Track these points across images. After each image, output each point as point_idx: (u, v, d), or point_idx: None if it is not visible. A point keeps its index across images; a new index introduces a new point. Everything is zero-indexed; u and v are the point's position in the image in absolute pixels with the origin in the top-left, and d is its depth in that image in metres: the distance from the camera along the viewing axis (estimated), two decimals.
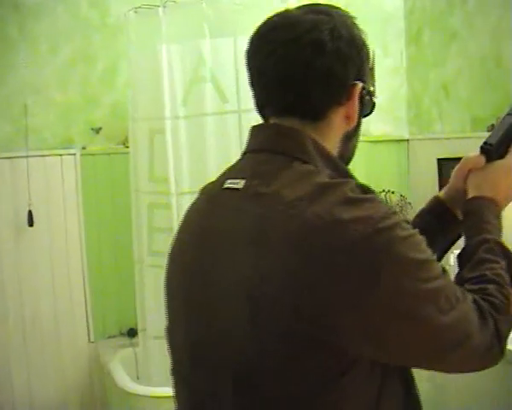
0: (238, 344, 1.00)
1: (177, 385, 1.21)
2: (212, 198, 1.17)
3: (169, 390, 2.94)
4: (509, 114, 1.35)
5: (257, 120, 3.26)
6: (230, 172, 1.16)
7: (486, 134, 3.48)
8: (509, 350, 2.60)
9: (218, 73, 3.15)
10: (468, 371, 1.16)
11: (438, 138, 3.89)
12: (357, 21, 1.19)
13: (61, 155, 3.55)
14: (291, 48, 1.10)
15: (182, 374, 1.18)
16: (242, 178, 1.09)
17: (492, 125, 3.52)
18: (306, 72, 1.09)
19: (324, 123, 1.13)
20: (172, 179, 3.14)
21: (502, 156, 1.29)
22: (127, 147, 3.45)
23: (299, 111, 1.12)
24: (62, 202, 3.57)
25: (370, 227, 0.95)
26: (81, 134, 3.60)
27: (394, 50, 4.21)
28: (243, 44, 3.18)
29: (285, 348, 0.95)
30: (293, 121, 1.12)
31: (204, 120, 3.15)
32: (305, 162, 1.07)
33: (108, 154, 3.64)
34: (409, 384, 1.12)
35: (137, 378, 3.41)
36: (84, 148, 3.61)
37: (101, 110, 3.62)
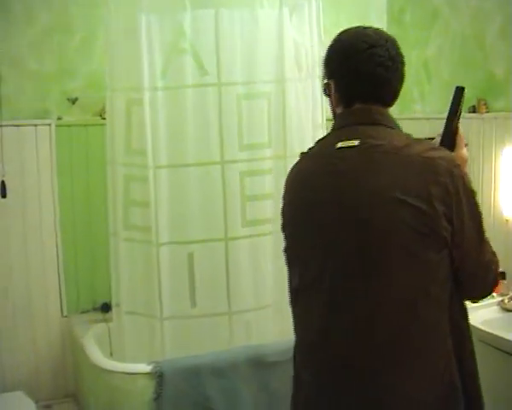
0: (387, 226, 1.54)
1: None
2: (329, 154, 1.65)
3: (143, 367, 2.96)
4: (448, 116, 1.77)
5: (237, 94, 3.23)
6: (336, 138, 1.65)
7: (467, 115, 3.53)
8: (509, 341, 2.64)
9: (199, 46, 3.10)
10: (481, 290, 1.72)
11: (418, 118, 3.88)
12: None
13: (35, 125, 3.48)
14: (394, 62, 1.65)
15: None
16: (356, 139, 1.60)
17: (474, 107, 3.52)
18: (397, 79, 1.69)
19: (391, 107, 1.72)
20: (150, 152, 3.08)
21: (452, 149, 1.72)
22: (104, 118, 3.40)
23: (382, 100, 1.67)
24: (37, 173, 3.50)
25: (450, 164, 1.56)
26: (57, 104, 3.53)
27: None
28: (224, 17, 3.17)
29: (412, 221, 1.52)
30: (378, 106, 1.66)
31: (183, 92, 3.10)
32: (392, 128, 1.66)
33: (84, 125, 3.58)
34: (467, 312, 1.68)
35: (111, 354, 3.38)
36: (59, 118, 3.54)
37: (77, 80, 3.56)
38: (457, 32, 3.65)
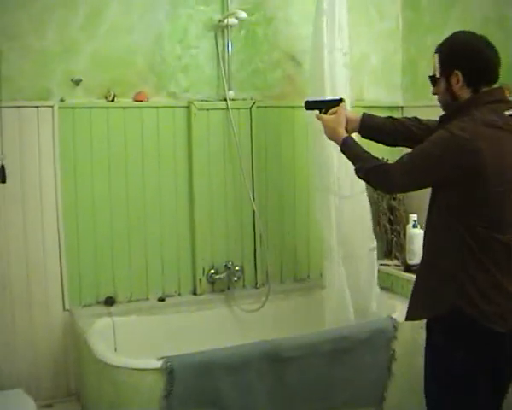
0: None
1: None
2: (507, 121, 2.17)
3: (153, 363, 2.80)
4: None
5: None
6: (499, 109, 2.16)
7: None
8: None
9: None
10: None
11: (434, 106, 3.73)
12: None
13: (37, 106, 3.31)
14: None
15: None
16: (510, 109, 2.19)
17: None
18: None
19: None
20: None
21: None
22: (109, 101, 3.24)
23: (495, 83, 2.20)
24: (38, 157, 3.33)
25: None
26: (59, 85, 3.36)
27: (390, 14, 4.11)
28: None
29: None
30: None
31: None
32: None
33: (89, 108, 3.41)
34: None
35: (115, 350, 3.24)
36: (62, 100, 3.36)
37: (81, 60, 3.38)
38: (477, 14, 3.55)
